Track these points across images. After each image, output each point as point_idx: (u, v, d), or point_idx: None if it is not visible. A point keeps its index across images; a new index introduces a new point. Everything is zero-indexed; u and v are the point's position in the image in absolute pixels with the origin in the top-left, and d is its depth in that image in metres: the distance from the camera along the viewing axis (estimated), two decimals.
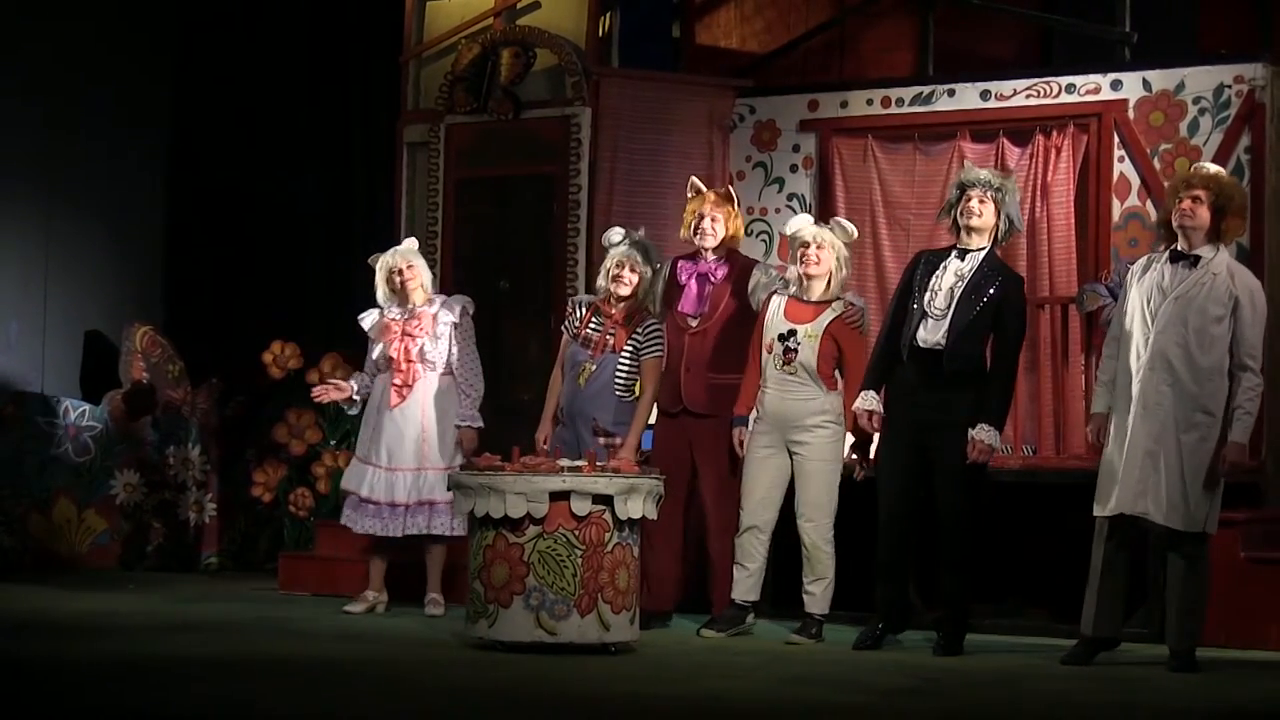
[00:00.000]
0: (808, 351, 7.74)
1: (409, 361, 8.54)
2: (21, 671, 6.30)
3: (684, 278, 8.22)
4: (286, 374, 10.70)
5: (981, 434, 7.35)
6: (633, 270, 8.13)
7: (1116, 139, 8.82)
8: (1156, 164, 8.72)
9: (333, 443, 10.47)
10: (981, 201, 7.47)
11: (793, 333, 7.79)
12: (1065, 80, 8.97)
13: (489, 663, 6.85)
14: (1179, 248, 7.16)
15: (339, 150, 11.73)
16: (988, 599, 8.12)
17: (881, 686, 6.44)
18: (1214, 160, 8.51)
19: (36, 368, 11.01)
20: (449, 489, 7.55)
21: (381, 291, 8.68)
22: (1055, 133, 8.96)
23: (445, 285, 9.43)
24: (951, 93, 9.21)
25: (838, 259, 7.82)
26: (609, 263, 8.19)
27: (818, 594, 7.82)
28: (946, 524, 7.47)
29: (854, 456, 7.80)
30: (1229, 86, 8.63)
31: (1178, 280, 7.11)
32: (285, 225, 11.71)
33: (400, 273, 8.63)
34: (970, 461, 7.36)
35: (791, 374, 7.78)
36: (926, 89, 9.28)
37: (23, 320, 11.02)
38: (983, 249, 7.50)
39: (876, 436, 7.71)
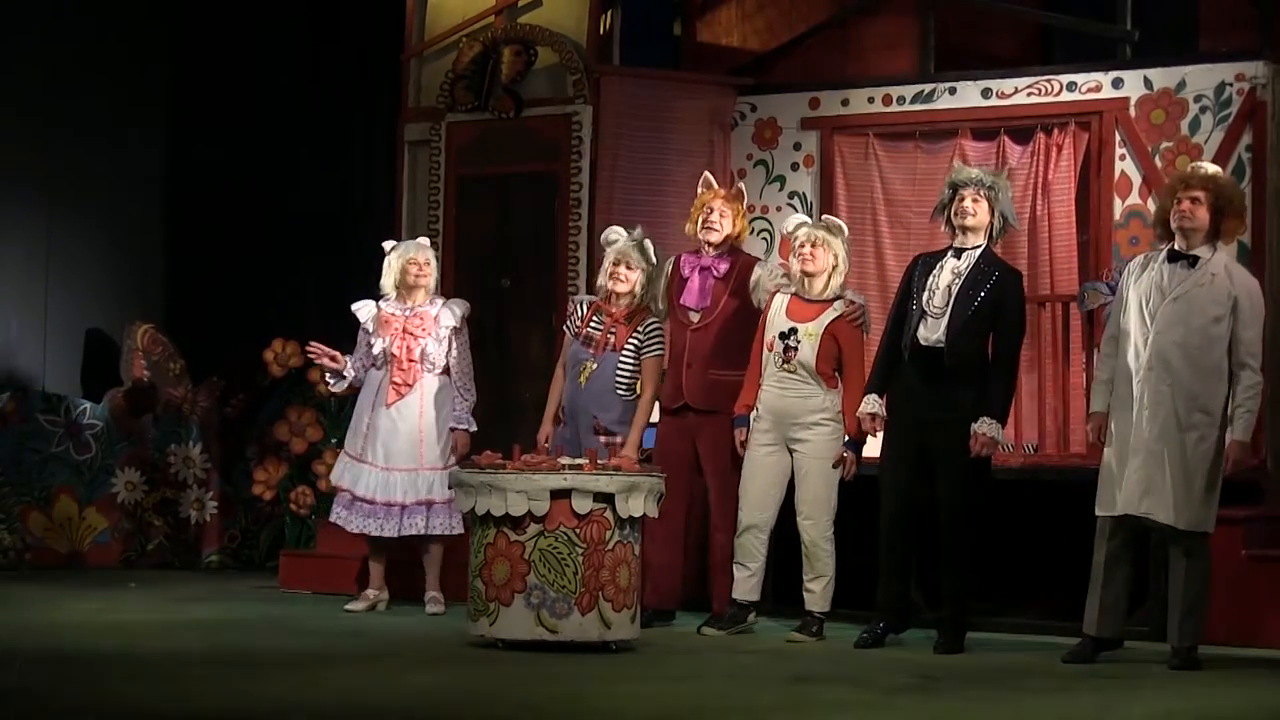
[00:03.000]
0: (807, 350, 7.76)
1: (411, 361, 8.54)
2: (23, 670, 6.30)
3: (687, 271, 8.21)
4: (287, 372, 10.70)
5: (984, 427, 7.37)
6: (629, 267, 8.16)
7: (1118, 137, 8.83)
8: (1158, 162, 8.72)
9: (334, 440, 10.46)
10: (975, 200, 7.52)
11: (794, 331, 7.81)
12: (1066, 78, 8.97)
13: (490, 660, 6.85)
14: (1177, 247, 7.19)
15: (340, 148, 11.71)
16: (989, 597, 8.11)
17: (883, 684, 6.44)
18: (1215, 159, 8.52)
19: (38, 365, 11.01)
20: (450, 487, 7.55)
21: (390, 280, 8.66)
22: (1056, 131, 8.97)
23: (447, 283, 9.42)
24: (953, 91, 9.21)
25: (835, 256, 7.85)
26: (607, 261, 8.21)
27: (818, 592, 7.83)
28: (948, 522, 7.48)
29: (847, 454, 7.79)
30: (1230, 85, 8.63)
31: (1176, 280, 7.14)
32: (286, 223, 11.70)
33: (419, 266, 8.62)
34: (974, 455, 7.38)
35: (791, 372, 7.79)
36: (928, 87, 9.29)
37: (24, 318, 11.02)
38: (978, 246, 7.54)
39: (872, 438, 7.74)
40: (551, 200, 9.46)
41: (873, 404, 7.61)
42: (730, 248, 8.21)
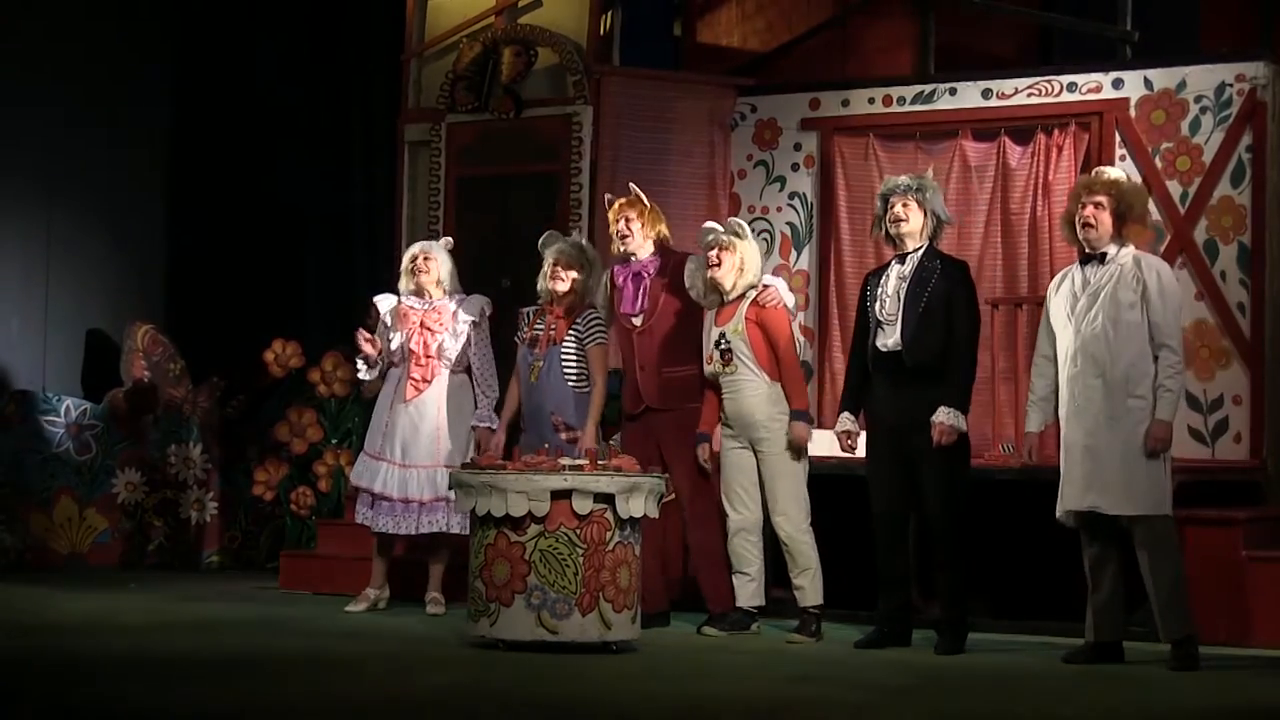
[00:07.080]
0: (739, 344, 7.85)
1: (429, 357, 8.55)
2: (23, 670, 6.31)
3: (620, 280, 8.29)
4: (287, 372, 10.70)
5: (942, 415, 7.45)
6: (567, 267, 8.25)
7: (1118, 137, 8.83)
8: (1158, 163, 8.72)
9: (334, 441, 10.47)
10: (905, 205, 7.63)
11: (722, 335, 7.91)
12: (1067, 79, 8.98)
13: (490, 661, 6.85)
14: (1087, 251, 7.36)
15: (340, 149, 11.72)
16: (987, 598, 8.12)
17: (883, 685, 6.44)
18: (1215, 159, 8.54)
19: (38, 366, 11.01)
20: (449, 488, 7.56)
21: (403, 281, 8.70)
22: (1057, 131, 8.97)
23: None
24: (953, 91, 9.22)
25: (741, 257, 7.90)
26: (546, 264, 8.30)
27: (806, 586, 7.86)
28: (935, 521, 7.54)
29: (795, 423, 7.81)
30: (1230, 85, 8.63)
31: (1088, 279, 7.30)
32: (286, 224, 11.71)
33: (417, 261, 8.64)
34: (936, 445, 7.43)
35: (734, 373, 7.88)
36: (928, 88, 9.29)
37: (24, 318, 11.02)
38: (919, 248, 7.64)
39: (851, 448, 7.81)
40: (552, 200, 9.47)
41: (846, 422, 7.78)
42: (659, 249, 8.24)
